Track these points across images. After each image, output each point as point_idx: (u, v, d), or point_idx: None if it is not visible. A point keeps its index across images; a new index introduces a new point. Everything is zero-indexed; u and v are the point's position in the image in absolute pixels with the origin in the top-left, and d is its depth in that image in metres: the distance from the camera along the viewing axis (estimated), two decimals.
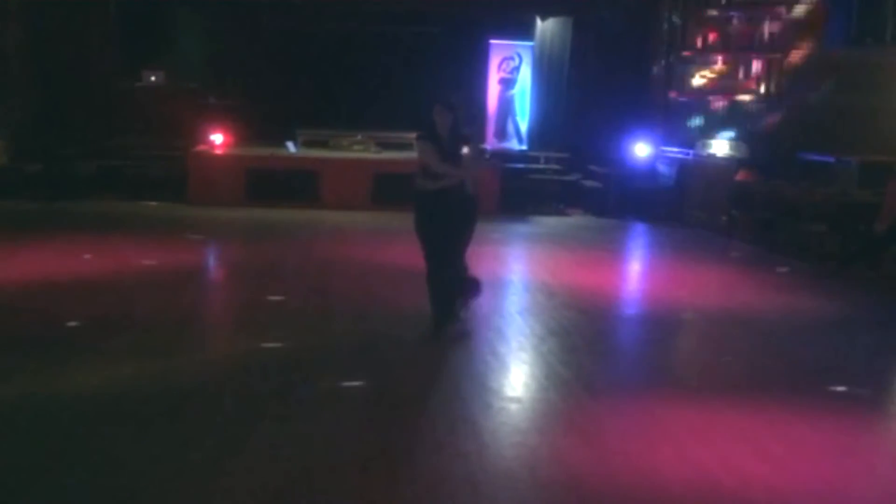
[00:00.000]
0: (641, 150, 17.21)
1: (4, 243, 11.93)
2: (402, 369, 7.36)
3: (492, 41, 17.70)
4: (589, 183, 17.53)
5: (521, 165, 17.55)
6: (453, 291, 8.13)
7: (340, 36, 18.63)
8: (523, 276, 11.60)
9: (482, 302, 9.70)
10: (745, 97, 16.32)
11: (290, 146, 16.88)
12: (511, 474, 5.44)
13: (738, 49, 16.50)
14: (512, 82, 17.71)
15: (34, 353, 7.31)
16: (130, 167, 16.37)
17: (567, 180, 17.69)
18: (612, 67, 17.82)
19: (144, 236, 12.84)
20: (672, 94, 17.67)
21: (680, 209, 16.34)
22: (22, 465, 5.22)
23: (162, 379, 6.83)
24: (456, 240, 8.02)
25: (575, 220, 16.45)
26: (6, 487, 4.95)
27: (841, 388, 7.33)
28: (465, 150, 8.04)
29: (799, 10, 15.29)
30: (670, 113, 17.68)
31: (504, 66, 17.68)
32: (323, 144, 17.45)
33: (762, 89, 16.06)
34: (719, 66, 16.87)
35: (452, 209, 7.88)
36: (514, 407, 6.60)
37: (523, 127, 18.07)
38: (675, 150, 17.04)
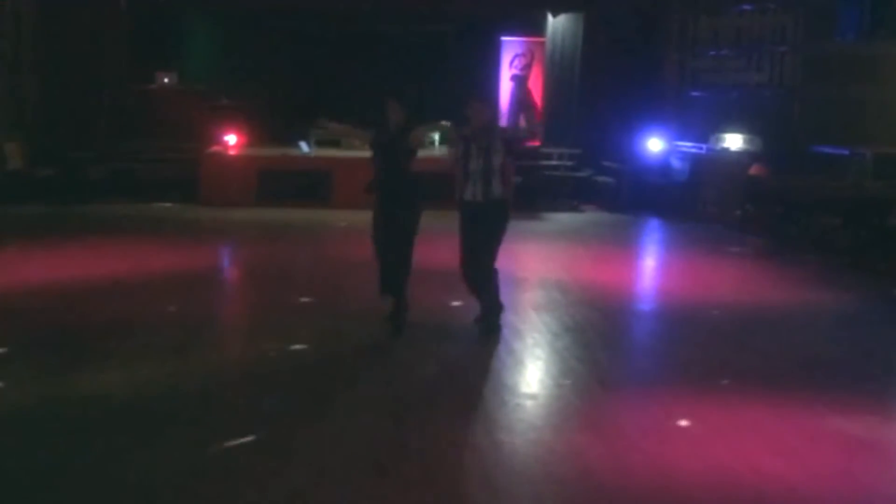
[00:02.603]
0: (654, 145, 17.16)
1: (20, 247, 11.96)
2: (417, 367, 7.36)
3: (503, 38, 17.67)
4: (602, 178, 17.53)
5: (533, 161, 17.51)
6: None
7: (352, 36, 18.63)
8: (537, 273, 11.54)
9: None
10: (758, 91, 16.24)
11: (303, 146, 16.89)
12: (526, 470, 5.44)
13: (750, 42, 16.43)
14: (524, 79, 17.67)
15: (48, 356, 7.34)
16: (143, 169, 16.43)
17: (580, 176, 17.69)
18: (624, 62, 17.79)
19: (158, 238, 12.87)
20: (684, 89, 17.60)
21: (693, 204, 16.29)
22: (36, 468, 5.22)
23: (176, 381, 6.85)
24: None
25: (588, 216, 16.44)
26: (18, 490, 4.96)
27: (856, 382, 7.30)
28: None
29: None
30: (683, 107, 17.63)
31: (516, 62, 17.64)
32: (335, 144, 17.46)
33: (774, 82, 15.98)
34: (731, 59, 16.79)
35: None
36: (529, 403, 6.61)
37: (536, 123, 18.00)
38: (689, 144, 16.99)
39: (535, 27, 18.51)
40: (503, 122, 17.81)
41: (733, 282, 11.38)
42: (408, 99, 8.18)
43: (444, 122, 8.82)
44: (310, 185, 15.88)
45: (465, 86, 14.53)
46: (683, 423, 6.27)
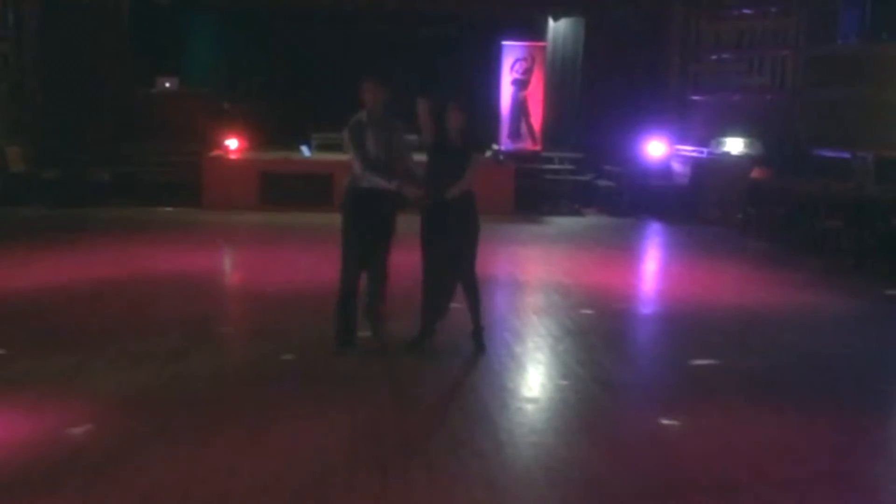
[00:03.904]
0: (656, 148, 17.19)
1: (23, 249, 11.96)
2: (419, 370, 7.32)
3: (504, 42, 17.66)
4: (603, 182, 17.51)
5: (535, 166, 17.51)
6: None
7: (353, 39, 18.62)
8: (539, 277, 11.53)
9: (499, 302, 9.75)
10: (760, 94, 16.23)
11: (304, 150, 16.89)
12: (528, 474, 5.42)
13: (751, 45, 16.41)
14: (525, 83, 17.66)
15: (53, 356, 7.30)
16: (145, 173, 16.45)
17: (581, 180, 17.68)
18: (626, 66, 17.83)
19: (159, 242, 12.85)
20: (686, 92, 17.62)
21: (695, 207, 16.29)
22: (35, 471, 5.19)
23: (177, 384, 6.82)
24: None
25: (589, 220, 16.42)
26: (16, 496, 4.93)
27: (859, 385, 7.28)
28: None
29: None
30: (684, 111, 17.63)
31: (517, 67, 17.63)
32: (337, 147, 17.42)
33: (776, 85, 15.97)
34: (733, 62, 16.78)
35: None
36: (530, 407, 6.57)
37: (536, 127, 18.00)
38: (690, 148, 17.00)
39: (535, 31, 18.49)
40: (504, 127, 17.81)
41: (735, 285, 11.32)
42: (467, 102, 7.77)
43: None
44: (311, 189, 15.84)
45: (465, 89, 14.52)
46: (685, 426, 6.24)
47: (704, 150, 16.63)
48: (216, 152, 16.55)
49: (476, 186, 7.61)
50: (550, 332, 8.59)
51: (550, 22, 18.57)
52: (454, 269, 7.60)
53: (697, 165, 16.66)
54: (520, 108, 17.71)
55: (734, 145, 16.17)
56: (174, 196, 15.95)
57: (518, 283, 11.09)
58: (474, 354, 7.68)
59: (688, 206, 16.32)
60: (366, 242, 7.57)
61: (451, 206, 7.44)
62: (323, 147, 17.41)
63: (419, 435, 5.93)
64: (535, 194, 16.75)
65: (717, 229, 15.33)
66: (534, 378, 7.39)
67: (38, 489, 4.98)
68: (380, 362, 7.44)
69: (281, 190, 15.86)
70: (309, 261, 11.70)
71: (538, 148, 17.89)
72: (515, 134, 17.80)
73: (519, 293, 10.59)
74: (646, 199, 16.69)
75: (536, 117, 17.78)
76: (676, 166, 17.29)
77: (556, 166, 17.90)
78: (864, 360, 8.08)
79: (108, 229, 13.78)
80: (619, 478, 5.36)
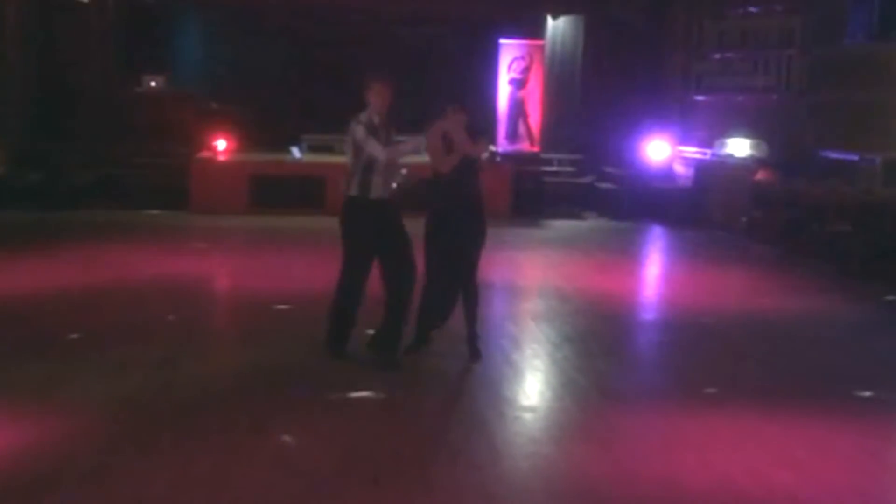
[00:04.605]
0: (658, 150, 17.08)
1: (4, 254, 11.71)
2: (414, 378, 7.17)
3: (501, 41, 17.44)
4: (603, 185, 17.40)
5: (533, 168, 17.28)
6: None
7: (346, 38, 18.34)
8: (537, 282, 11.40)
9: (496, 308, 9.58)
10: (765, 94, 15.99)
11: (295, 152, 16.58)
12: (526, 485, 5.33)
13: (756, 44, 16.21)
14: (523, 83, 17.41)
15: (36, 364, 7.17)
16: (131, 175, 16.09)
17: (581, 182, 17.58)
18: (627, 66, 17.74)
19: (145, 246, 12.56)
20: (689, 93, 17.47)
21: (698, 211, 16.17)
22: (25, 482, 5.09)
23: (165, 391, 6.68)
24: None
25: (589, 224, 16.29)
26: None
27: (866, 393, 7.19)
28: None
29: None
30: (687, 112, 17.52)
31: (514, 66, 17.41)
32: (329, 149, 17.10)
33: (782, 86, 15.74)
34: (737, 62, 16.56)
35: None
36: (528, 416, 6.47)
37: (535, 128, 17.75)
38: (693, 149, 16.93)
39: (534, 29, 18.34)
40: (501, 128, 17.55)
41: (739, 290, 11.21)
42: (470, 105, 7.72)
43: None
44: (302, 192, 15.51)
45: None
46: (688, 434, 6.14)
47: (708, 151, 16.53)
48: (203, 154, 16.20)
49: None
50: (549, 338, 8.47)
51: (549, 20, 18.43)
52: (458, 273, 7.43)
53: (701, 168, 16.57)
54: (518, 108, 17.54)
55: (738, 147, 16.06)
56: (160, 199, 15.59)
57: (516, 288, 10.93)
58: (470, 362, 7.51)
59: (691, 209, 16.16)
60: (373, 256, 7.36)
61: (461, 210, 7.35)
62: (315, 149, 17.07)
63: (414, 445, 5.81)
64: (533, 197, 16.54)
65: (721, 233, 15.21)
66: (532, 386, 7.28)
67: (21, 501, 4.86)
68: (373, 370, 7.26)
69: (271, 193, 15.53)
70: (300, 266, 11.51)
71: (537, 149, 17.70)
72: (513, 135, 17.61)
73: (516, 299, 10.46)
74: (647, 203, 16.50)
75: (535, 118, 17.67)
76: (679, 168, 17.22)
77: (555, 168, 17.83)
78: (870, 367, 7.99)
79: (93, 233, 13.49)
80: (619, 489, 5.24)
